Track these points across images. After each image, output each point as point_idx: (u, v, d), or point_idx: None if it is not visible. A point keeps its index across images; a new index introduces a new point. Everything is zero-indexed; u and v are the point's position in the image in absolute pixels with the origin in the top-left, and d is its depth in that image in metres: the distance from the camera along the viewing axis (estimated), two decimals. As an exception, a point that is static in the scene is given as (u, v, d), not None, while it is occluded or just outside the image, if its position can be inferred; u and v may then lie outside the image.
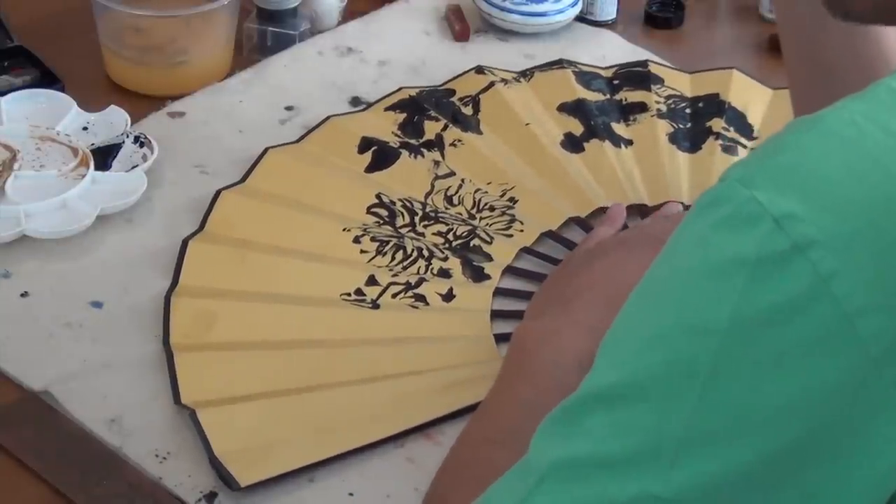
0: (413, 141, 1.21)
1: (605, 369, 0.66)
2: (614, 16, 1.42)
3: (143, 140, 1.18)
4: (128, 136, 1.18)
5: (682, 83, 1.30)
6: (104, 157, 1.16)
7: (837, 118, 0.65)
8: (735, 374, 0.62)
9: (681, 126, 1.25)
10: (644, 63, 1.33)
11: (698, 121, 1.25)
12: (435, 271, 1.08)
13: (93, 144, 1.18)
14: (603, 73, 1.31)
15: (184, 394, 0.95)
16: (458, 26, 1.38)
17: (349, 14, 1.39)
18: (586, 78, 1.30)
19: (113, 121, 1.20)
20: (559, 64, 1.32)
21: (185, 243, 1.08)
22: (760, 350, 0.62)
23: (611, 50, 1.37)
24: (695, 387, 0.63)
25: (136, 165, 1.16)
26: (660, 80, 1.30)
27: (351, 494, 0.91)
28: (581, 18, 1.41)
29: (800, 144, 0.64)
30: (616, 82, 1.30)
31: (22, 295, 1.05)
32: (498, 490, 0.70)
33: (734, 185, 0.64)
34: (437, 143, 1.21)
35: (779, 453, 0.63)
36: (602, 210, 1.14)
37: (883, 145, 0.63)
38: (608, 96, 1.28)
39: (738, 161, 0.67)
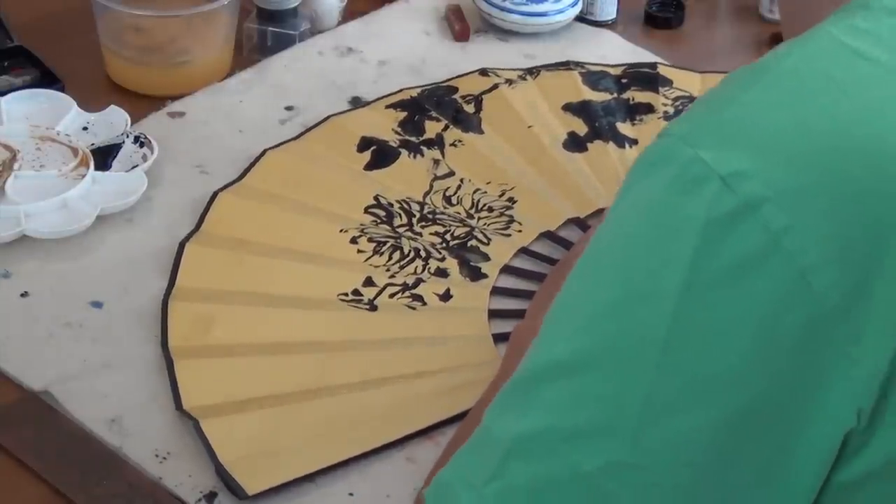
0: (413, 139, 1.21)
1: (557, 341, 0.65)
2: (614, 16, 1.42)
3: (143, 140, 1.18)
4: (128, 136, 1.18)
5: (691, 84, 1.30)
6: (104, 157, 1.16)
7: (779, 69, 0.64)
8: (691, 338, 0.62)
9: (687, 126, 1.25)
10: (653, 65, 1.33)
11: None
12: (432, 271, 1.08)
13: (93, 144, 1.18)
14: (611, 71, 1.31)
15: (185, 399, 0.95)
16: (458, 26, 1.38)
17: (349, 14, 1.39)
18: (593, 78, 1.30)
19: (113, 121, 1.20)
20: (566, 65, 1.32)
21: (181, 245, 1.08)
22: (715, 312, 0.61)
23: (611, 50, 1.37)
24: (651, 353, 0.62)
25: (136, 165, 1.16)
26: (668, 82, 1.30)
27: (351, 494, 0.91)
28: (581, 18, 1.41)
29: (743, 99, 0.63)
30: (625, 81, 1.30)
31: (22, 295, 1.05)
32: (461, 467, 0.69)
33: (677, 144, 0.63)
34: (438, 143, 1.21)
35: (739, 415, 0.62)
36: (601, 211, 1.14)
37: (826, 94, 0.62)
38: (615, 95, 1.28)
39: (679, 117, 0.66)
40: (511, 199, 1.16)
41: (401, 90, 1.28)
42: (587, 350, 0.64)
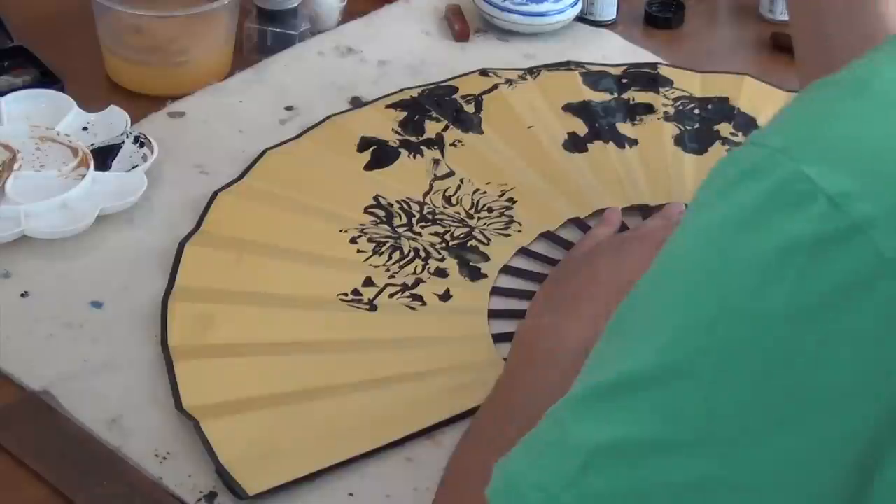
0: (413, 138, 1.21)
1: (640, 351, 0.64)
2: (614, 16, 1.42)
3: (143, 140, 1.18)
4: (128, 136, 1.18)
5: (692, 83, 1.30)
6: (104, 157, 1.16)
7: (880, 82, 0.61)
8: (795, 358, 0.60)
9: (688, 127, 1.24)
10: (654, 65, 1.33)
11: (706, 123, 1.25)
12: (432, 271, 1.08)
13: (93, 144, 1.18)
14: (612, 70, 1.31)
15: (184, 399, 0.95)
16: (458, 26, 1.38)
17: (349, 14, 1.39)
18: (594, 79, 1.30)
19: (113, 121, 1.20)
20: (567, 66, 1.32)
21: (181, 246, 1.08)
22: (821, 333, 0.60)
23: (611, 50, 1.37)
24: (750, 371, 0.61)
25: (136, 165, 1.16)
26: (669, 83, 1.30)
27: (351, 494, 0.91)
28: (581, 18, 1.41)
29: (844, 113, 0.61)
30: (625, 81, 1.30)
31: (22, 295, 1.05)
32: (530, 469, 0.67)
33: (776, 157, 0.60)
34: (437, 143, 1.21)
35: (843, 436, 0.61)
36: (601, 211, 1.14)
37: None
38: (616, 95, 1.28)
39: (769, 127, 0.63)
40: (511, 200, 1.16)
41: (401, 90, 1.28)
42: (678, 362, 0.62)
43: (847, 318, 0.60)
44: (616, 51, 1.37)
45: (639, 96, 1.28)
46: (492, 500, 0.68)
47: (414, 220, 1.13)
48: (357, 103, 1.27)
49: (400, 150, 1.20)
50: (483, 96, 1.27)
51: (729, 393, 0.61)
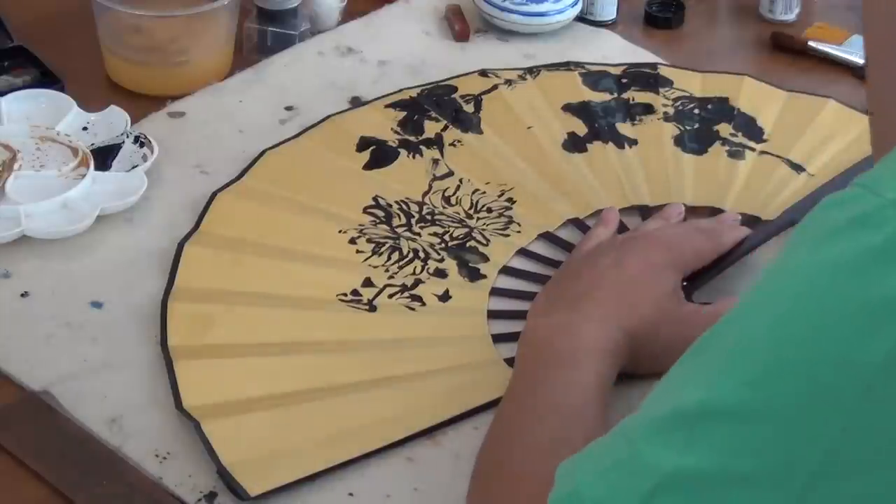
0: (412, 138, 1.21)
1: (726, 382, 0.64)
2: (614, 16, 1.42)
3: (143, 140, 1.18)
4: (128, 136, 1.18)
5: (692, 83, 1.30)
6: (104, 157, 1.16)
7: None
8: (886, 408, 0.61)
9: (688, 127, 1.24)
10: (654, 65, 1.33)
11: (706, 123, 1.25)
12: (431, 272, 1.08)
13: (93, 144, 1.18)
14: (612, 70, 1.31)
15: (184, 400, 0.95)
16: (458, 26, 1.38)
17: (349, 14, 1.39)
18: (593, 79, 1.30)
19: (113, 121, 1.20)
20: (567, 66, 1.32)
21: (180, 246, 1.08)
22: None
23: (611, 50, 1.37)
24: (838, 417, 0.61)
25: (136, 165, 1.16)
26: (668, 83, 1.30)
27: (351, 494, 0.91)
28: (581, 18, 1.41)
29: None
30: (625, 81, 1.30)
31: (22, 295, 1.05)
32: (598, 481, 0.67)
33: (888, 211, 0.61)
34: (437, 143, 1.21)
35: None
36: (600, 212, 1.14)
37: None
38: (615, 95, 1.28)
39: (884, 172, 0.63)
40: (510, 200, 1.16)
41: (400, 90, 1.28)
42: (764, 400, 0.63)
43: None
44: (616, 51, 1.37)
45: (638, 96, 1.28)
46: None
47: (413, 221, 1.13)
48: (357, 103, 1.27)
49: (399, 150, 1.20)
50: (482, 96, 1.27)
51: (814, 436, 0.62)
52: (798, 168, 1.20)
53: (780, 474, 0.62)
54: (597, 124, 1.24)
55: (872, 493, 0.62)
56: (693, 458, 0.64)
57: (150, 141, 1.18)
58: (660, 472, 0.65)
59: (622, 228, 1.11)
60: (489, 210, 1.14)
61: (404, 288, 1.06)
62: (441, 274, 1.08)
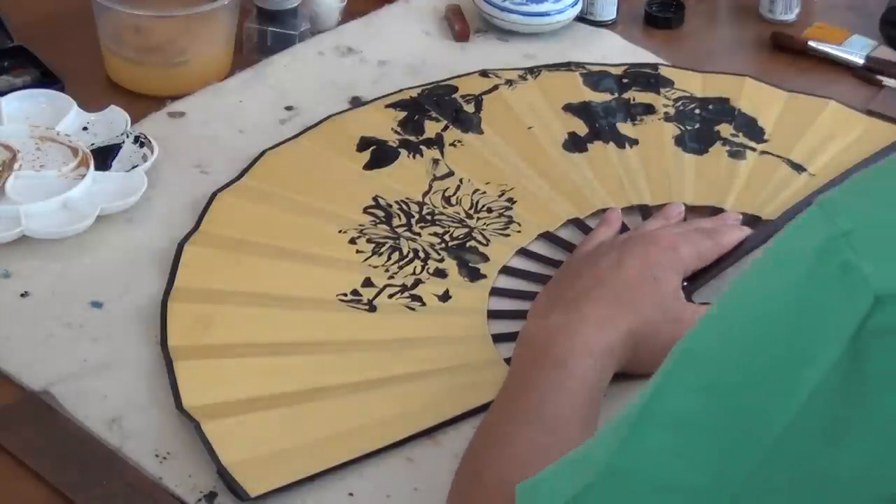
0: (412, 138, 1.21)
1: (677, 391, 0.65)
2: (614, 16, 1.42)
3: (143, 140, 1.18)
4: (128, 136, 1.18)
5: (692, 83, 1.30)
6: (104, 157, 1.16)
7: None
8: (810, 436, 0.62)
9: (688, 128, 1.24)
10: (654, 66, 1.33)
11: (707, 123, 1.25)
12: (431, 272, 1.08)
13: (93, 144, 1.18)
14: (613, 70, 1.31)
15: (184, 400, 0.95)
16: (458, 26, 1.38)
17: (349, 14, 1.39)
18: (594, 79, 1.30)
19: (113, 121, 1.20)
20: (567, 66, 1.32)
21: (180, 246, 1.08)
22: (841, 418, 0.62)
23: (611, 50, 1.37)
24: (768, 438, 0.62)
25: (136, 165, 1.16)
26: (669, 83, 1.30)
27: (351, 494, 0.91)
28: (581, 18, 1.41)
29: None
30: (625, 81, 1.30)
31: (22, 295, 1.05)
32: (555, 473, 0.70)
33: (839, 243, 0.61)
34: (437, 143, 1.21)
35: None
36: (601, 212, 1.14)
37: None
38: (616, 95, 1.28)
39: (843, 198, 0.64)
40: (510, 200, 1.16)
41: (400, 90, 1.28)
42: (704, 413, 0.64)
43: (864, 406, 0.61)
44: (616, 51, 1.37)
45: (639, 96, 1.28)
46: (517, 491, 0.71)
47: (413, 221, 1.13)
48: (357, 103, 1.27)
49: (399, 149, 1.20)
50: (483, 96, 1.27)
51: (743, 453, 0.63)
52: (799, 168, 1.20)
53: (708, 487, 0.64)
54: (597, 124, 1.24)
55: None
56: (629, 457, 0.66)
57: (150, 141, 1.17)
58: (596, 467, 0.66)
59: (623, 228, 1.11)
60: (489, 210, 1.14)
61: (404, 288, 1.06)
62: (441, 274, 1.08)
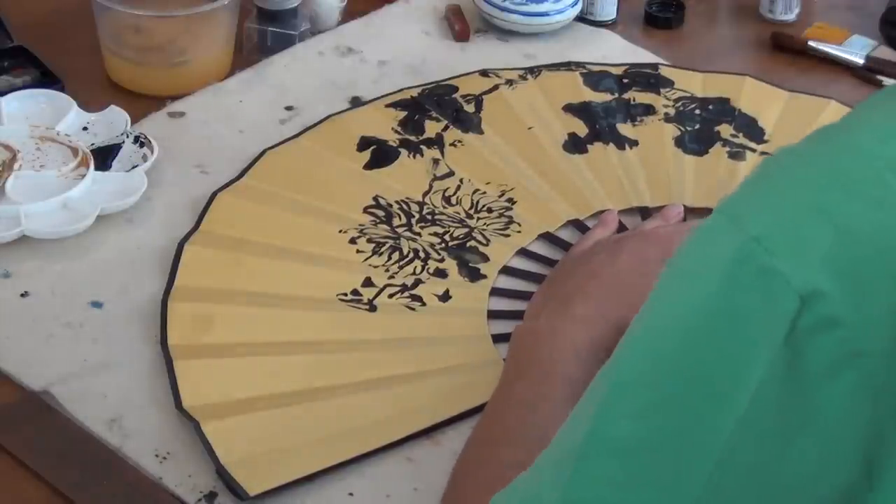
0: (413, 138, 1.21)
1: (616, 416, 0.65)
2: (614, 16, 1.42)
3: (143, 140, 1.18)
4: (128, 136, 1.18)
5: (693, 83, 1.30)
6: (104, 157, 1.16)
7: (865, 173, 0.62)
8: (755, 444, 0.62)
9: (689, 128, 1.24)
10: (654, 66, 1.33)
11: (707, 124, 1.25)
12: (431, 272, 1.08)
13: (93, 144, 1.18)
14: (613, 70, 1.31)
15: (184, 399, 0.95)
16: (458, 26, 1.38)
17: (349, 14, 1.39)
18: (595, 79, 1.30)
19: (113, 121, 1.20)
20: (567, 66, 1.32)
21: (180, 246, 1.08)
22: (783, 421, 0.62)
23: (611, 50, 1.37)
24: (713, 453, 0.63)
25: (136, 165, 1.16)
26: (669, 83, 1.30)
27: (351, 494, 0.91)
28: (581, 18, 1.41)
29: (823, 205, 0.62)
30: (626, 81, 1.30)
31: (22, 295, 1.05)
32: None
33: (751, 246, 0.62)
34: (437, 142, 1.21)
35: None
36: (601, 213, 1.14)
37: None
38: (616, 95, 1.28)
39: (746, 201, 0.64)
40: (510, 200, 1.16)
41: (400, 90, 1.28)
42: (646, 435, 0.64)
43: (809, 407, 0.61)
44: (616, 51, 1.37)
45: (639, 97, 1.28)
46: None
47: (413, 221, 1.13)
48: (357, 103, 1.27)
49: (400, 149, 1.20)
50: (483, 96, 1.27)
51: (691, 472, 0.63)
52: (798, 168, 1.20)
53: None
54: (597, 125, 1.24)
55: None
56: (577, 495, 0.65)
57: (150, 141, 1.17)
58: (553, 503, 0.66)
59: (621, 229, 1.11)
60: (489, 210, 1.14)
61: (404, 288, 1.06)
62: (441, 274, 1.08)
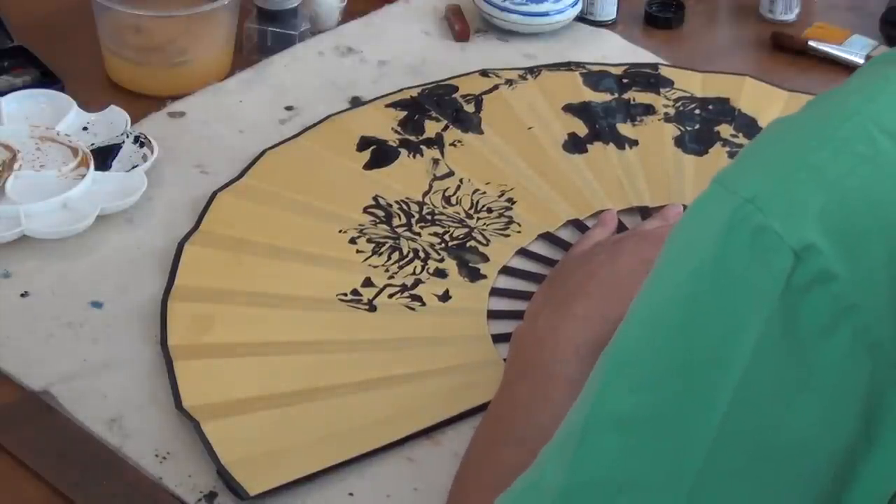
0: (412, 138, 1.22)
1: (616, 392, 0.65)
2: (614, 16, 1.42)
3: (143, 140, 1.18)
4: (128, 136, 1.18)
5: (692, 83, 1.30)
6: (104, 157, 1.16)
7: (853, 131, 0.63)
8: (756, 406, 0.62)
9: (688, 128, 1.24)
10: (654, 66, 1.33)
11: (707, 124, 1.25)
12: (431, 272, 1.08)
13: (93, 144, 1.18)
14: (613, 70, 1.31)
15: (184, 399, 0.95)
16: (458, 26, 1.38)
17: (349, 14, 1.39)
18: (594, 79, 1.30)
19: (113, 121, 1.20)
20: (567, 66, 1.32)
21: (180, 245, 1.08)
22: (782, 381, 0.62)
23: (611, 50, 1.37)
24: (714, 417, 0.63)
25: (136, 165, 1.16)
26: (669, 83, 1.30)
27: (351, 494, 0.91)
28: (581, 18, 1.41)
29: (813, 164, 0.63)
30: (626, 81, 1.30)
31: (22, 295, 1.05)
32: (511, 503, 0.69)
33: (745, 208, 0.62)
34: (437, 142, 1.21)
35: (797, 480, 0.63)
36: (600, 213, 1.14)
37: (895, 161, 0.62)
38: (616, 95, 1.28)
39: (740, 167, 0.65)
40: (510, 200, 1.16)
41: (401, 90, 1.28)
42: (647, 406, 0.64)
43: (808, 365, 0.61)
44: (616, 51, 1.37)
45: (639, 97, 1.28)
46: None
47: (413, 221, 1.13)
48: (357, 103, 1.27)
49: (399, 149, 1.20)
50: (483, 96, 1.27)
51: (694, 438, 0.63)
52: (798, 168, 1.20)
53: (667, 479, 0.63)
54: (597, 125, 1.24)
55: (756, 488, 0.63)
56: (584, 470, 0.65)
57: (150, 141, 1.18)
58: (554, 491, 0.66)
59: (621, 229, 1.11)
60: (489, 210, 1.14)
61: (404, 288, 1.06)
62: (441, 274, 1.08)
